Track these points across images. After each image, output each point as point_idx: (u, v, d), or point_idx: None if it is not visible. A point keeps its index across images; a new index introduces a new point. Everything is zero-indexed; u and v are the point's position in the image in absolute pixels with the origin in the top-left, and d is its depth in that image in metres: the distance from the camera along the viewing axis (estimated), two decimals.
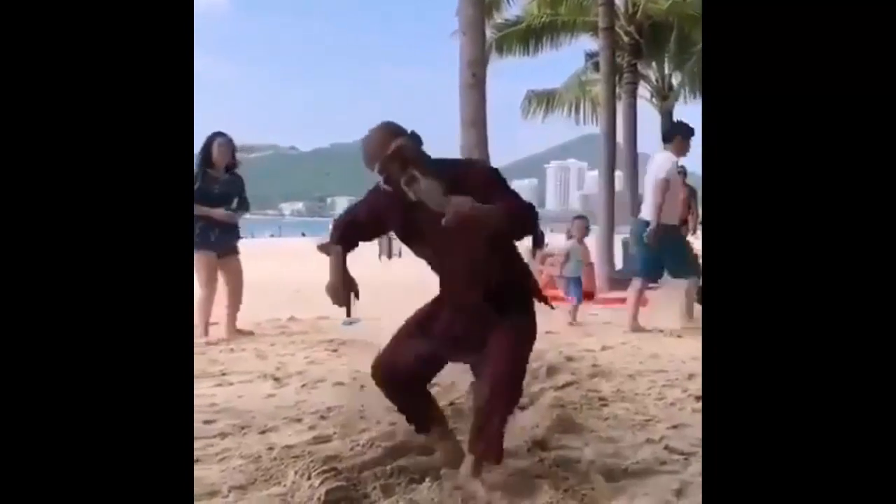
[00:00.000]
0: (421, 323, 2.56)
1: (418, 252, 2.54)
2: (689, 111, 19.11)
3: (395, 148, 2.25)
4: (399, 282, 11.51)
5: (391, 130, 2.32)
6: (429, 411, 2.60)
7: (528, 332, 2.45)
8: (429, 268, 2.56)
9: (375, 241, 24.08)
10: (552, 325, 6.28)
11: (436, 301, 2.61)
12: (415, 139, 2.31)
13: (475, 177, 2.34)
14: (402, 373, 2.49)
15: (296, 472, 2.29)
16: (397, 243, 22.95)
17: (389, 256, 21.95)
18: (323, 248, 2.52)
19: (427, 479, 2.28)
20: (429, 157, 2.33)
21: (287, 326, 6.46)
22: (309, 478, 2.26)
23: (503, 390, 2.28)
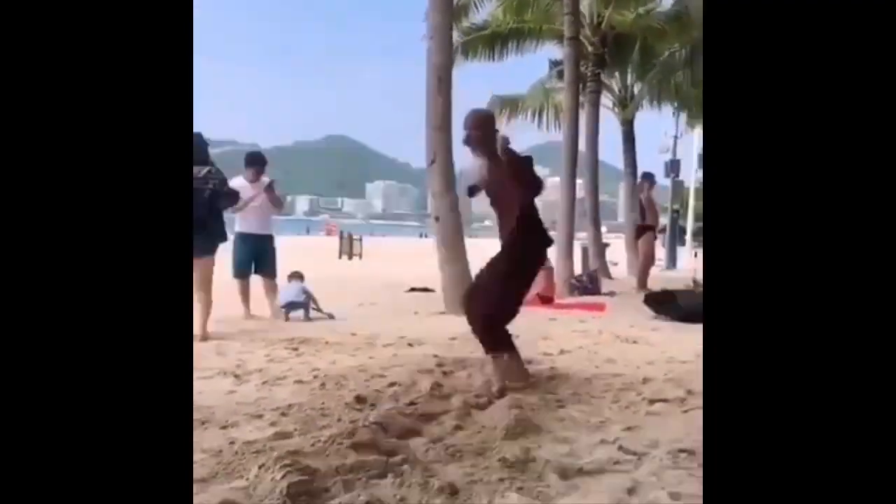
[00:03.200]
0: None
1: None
2: (649, 120, 19.48)
3: (499, 138, 3.86)
4: (361, 282, 11.53)
5: (492, 120, 4.32)
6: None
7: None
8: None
9: (336, 240, 23.98)
10: (512, 329, 6.36)
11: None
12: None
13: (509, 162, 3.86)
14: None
15: (259, 467, 2.31)
16: (357, 244, 22.89)
17: (350, 257, 21.89)
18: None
19: (390, 476, 2.33)
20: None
21: (246, 324, 6.45)
22: (270, 471, 2.28)
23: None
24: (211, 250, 5.63)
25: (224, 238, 5.86)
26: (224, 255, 7.23)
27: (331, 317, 7.02)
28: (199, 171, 5.52)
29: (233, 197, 5.79)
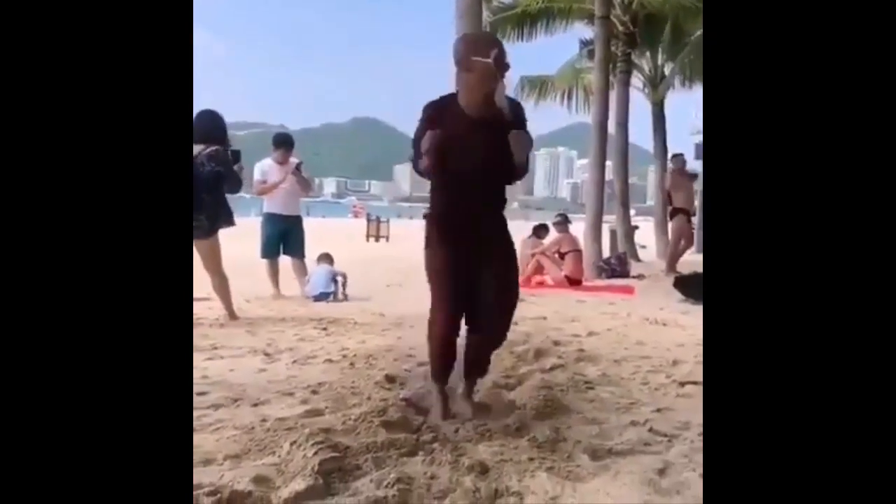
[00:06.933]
0: (451, 276, 2.83)
1: (440, 160, 2.78)
2: (680, 101, 19.18)
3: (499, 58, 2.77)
4: (388, 264, 11.55)
5: (497, 43, 2.89)
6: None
7: (516, 265, 3.03)
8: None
9: (364, 222, 24.04)
10: (540, 311, 6.36)
11: (440, 242, 2.88)
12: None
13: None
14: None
15: (291, 443, 2.33)
16: (385, 226, 22.94)
17: (377, 239, 21.95)
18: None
19: (420, 453, 2.34)
20: None
21: (276, 304, 6.51)
22: (302, 448, 2.30)
23: (498, 332, 2.94)
24: (210, 232, 5.27)
25: (228, 218, 5.41)
26: (253, 237, 7.30)
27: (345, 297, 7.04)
28: (202, 149, 5.15)
29: (233, 182, 5.31)
